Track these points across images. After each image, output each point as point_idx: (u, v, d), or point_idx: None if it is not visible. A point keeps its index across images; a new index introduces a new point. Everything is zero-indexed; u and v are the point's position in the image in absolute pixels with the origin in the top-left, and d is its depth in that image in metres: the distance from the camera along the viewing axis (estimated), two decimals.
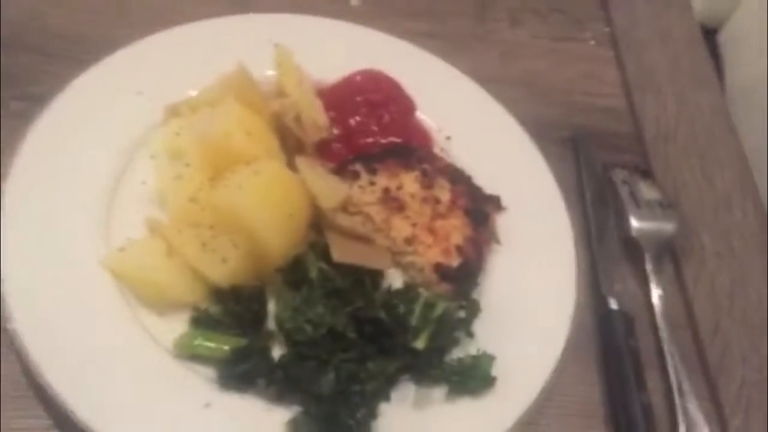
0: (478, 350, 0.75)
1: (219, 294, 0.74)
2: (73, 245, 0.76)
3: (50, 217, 0.76)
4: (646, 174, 1.01)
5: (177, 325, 0.74)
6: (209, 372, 0.72)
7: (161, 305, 0.74)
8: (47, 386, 0.66)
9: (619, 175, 0.99)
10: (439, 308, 0.74)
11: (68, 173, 0.80)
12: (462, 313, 0.78)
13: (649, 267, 0.91)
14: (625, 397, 0.81)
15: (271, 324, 0.75)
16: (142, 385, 0.69)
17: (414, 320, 0.73)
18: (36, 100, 0.85)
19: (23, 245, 0.73)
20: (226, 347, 0.71)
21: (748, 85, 1.16)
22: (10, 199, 0.76)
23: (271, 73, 0.89)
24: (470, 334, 0.77)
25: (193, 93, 0.86)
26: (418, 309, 0.74)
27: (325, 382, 0.68)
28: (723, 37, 1.23)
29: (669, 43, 1.17)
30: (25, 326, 0.68)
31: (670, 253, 0.95)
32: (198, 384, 0.70)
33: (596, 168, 1.01)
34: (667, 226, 0.94)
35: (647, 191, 0.98)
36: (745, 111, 1.16)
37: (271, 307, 0.76)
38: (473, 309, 0.77)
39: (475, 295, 0.80)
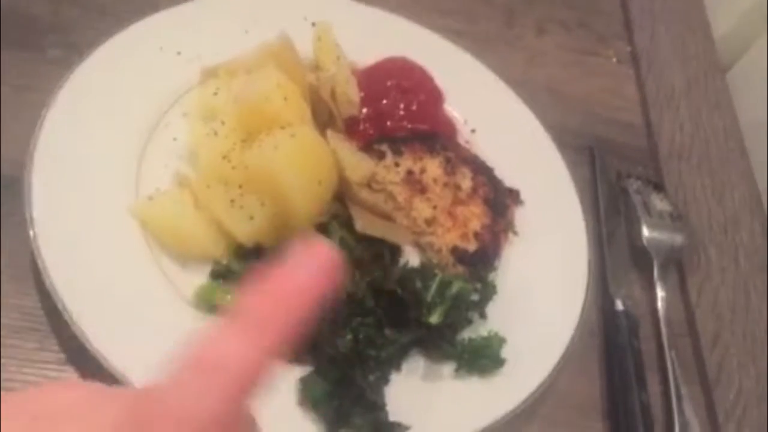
0: (490, 332, 0.77)
1: (241, 251, 0.76)
2: (102, 192, 0.77)
3: (81, 164, 0.77)
4: (659, 187, 1.04)
5: (197, 278, 0.75)
6: None
7: (184, 256, 0.75)
8: (69, 321, 0.66)
9: (633, 185, 1.02)
10: (455, 287, 0.76)
11: (101, 123, 0.81)
12: (476, 296, 0.79)
13: (656, 275, 0.94)
14: (626, 394, 0.82)
15: None
16: (159, 330, 0.70)
17: (429, 296, 0.75)
18: (75, 50, 0.87)
19: (55, 187, 0.74)
20: None
21: (755, 126, 1.18)
22: (44, 142, 0.77)
23: (305, 50, 0.91)
24: (483, 316, 0.79)
25: (231, 58, 0.88)
26: (434, 286, 0.75)
27: (342, 343, 0.69)
28: (732, 77, 1.26)
29: (688, 67, 1.20)
30: (50, 262, 0.69)
31: (677, 264, 0.97)
32: None
33: (611, 177, 1.04)
34: (677, 238, 0.97)
35: (659, 203, 1.00)
36: (752, 150, 1.18)
37: None
38: (489, 291, 0.79)
39: (490, 280, 0.82)
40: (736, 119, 1.14)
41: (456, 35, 1.07)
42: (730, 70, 1.24)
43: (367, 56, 0.97)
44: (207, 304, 0.73)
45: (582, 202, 0.93)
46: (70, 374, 0.69)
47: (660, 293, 0.92)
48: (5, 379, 0.68)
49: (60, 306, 0.67)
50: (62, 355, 0.70)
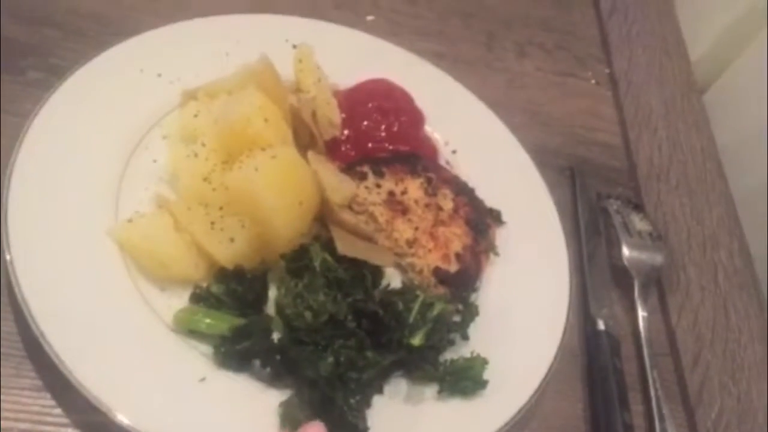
0: (472, 353, 0.77)
1: (222, 274, 0.75)
2: (82, 215, 0.76)
3: (60, 186, 0.77)
4: (638, 207, 1.04)
5: (177, 301, 0.74)
6: (206, 349, 0.72)
7: (163, 279, 0.75)
8: (47, 347, 0.65)
9: (612, 205, 1.03)
10: (437, 308, 0.75)
11: (80, 145, 0.81)
12: (458, 317, 0.79)
13: (636, 294, 0.94)
14: (609, 415, 0.82)
15: (270, 309, 0.76)
16: (139, 355, 0.69)
17: (411, 318, 0.74)
18: (54, 72, 0.87)
19: (32, 211, 0.73)
20: (226, 325, 0.72)
21: (732, 147, 1.20)
22: (21, 164, 0.76)
23: (286, 72, 0.91)
24: (465, 337, 0.79)
25: (211, 80, 0.88)
26: (416, 307, 0.75)
27: (323, 365, 0.68)
28: (709, 99, 1.28)
29: (665, 89, 1.21)
30: (28, 288, 0.68)
31: (657, 284, 0.98)
32: (195, 358, 0.71)
33: (591, 197, 1.04)
34: (657, 257, 0.97)
35: (639, 223, 1.01)
36: (730, 170, 1.20)
37: (272, 293, 0.77)
38: (471, 312, 0.79)
39: (472, 301, 0.82)
40: (713, 140, 1.16)
41: (437, 57, 1.08)
42: (707, 92, 1.26)
43: (348, 78, 0.97)
44: (186, 328, 0.72)
45: (562, 223, 0.94)
46: (47, 401, 0.68)
47: (641, 313, 0.93)
48: None
49: (36, 331, 0.66)
50: (38, 382, 0.69)
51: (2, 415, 0.66)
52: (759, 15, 1.17)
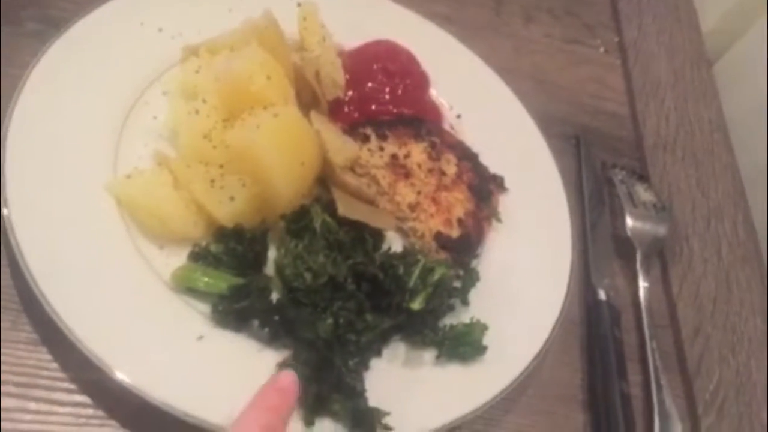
0: (472, 319, 0.76)
1: (221, 232, 0.74)
2: (80, 170, 0.75)
3: (58, 141, 0.75)
4: (643, 178, 1.03)
5: (175, 259, 0.73)
6: (203, 308, 0.71)
7: (162, 237, 0.74)
8: (44, 303, 0.64)
9: (617, 175, 1.02)
10: (438, 273, 0.75)
11: (79, 99, 0.79)
12: (459, 282, 0.79)
13: (638, 265, 0.93)
14: (606, 384, 0.82)
15: (269, 270, 0.75)
16: (137, 312, 0.69)
17: (412, 282, 0.74)
18: (53, 24, 0.85)
19: (30, 165, 0.72)
20: (224, 284, 0.71)
21: (739, 120, 1.18)
22: (19, 117, 0.74)
23: (290, 31, 0.89)
24: (465, 302, 0.78)
25: (214, 36, 0.86)
26: (416, 272, 0.74)
27: (322, 327, 0.68)
28: (718, 70, 1.26)
29: (675, 59, 1.20)
30: (26, 243, 0.67)
31: (660, 255, 0.97)
32: (192, 317, 0.70)
33: (596, 166, 1.03)
34: (660, 228, 0.96)
35: (643, 193, 1.00)
36: (737, 142, 1.18)
37: (271, 253, 0.76)
38: (471, 278, 0.78)
39: (473, 267, 0.81)
40: (722, 111, 1.14)
41: (444, 21, 1.06)
42: (716, 64, 1.24)
43: (352, 38, 0.95)
44: (184, 286, 0.71)
45: (566, 191, 0.93)
46: (44, 355, 0.67)
47: (642, 284, 0.92)
48: None
49: (33, 287, 0.65)
50: (35, 335, 0.68)
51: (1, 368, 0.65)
52: None
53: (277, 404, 0.63)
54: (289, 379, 0.65)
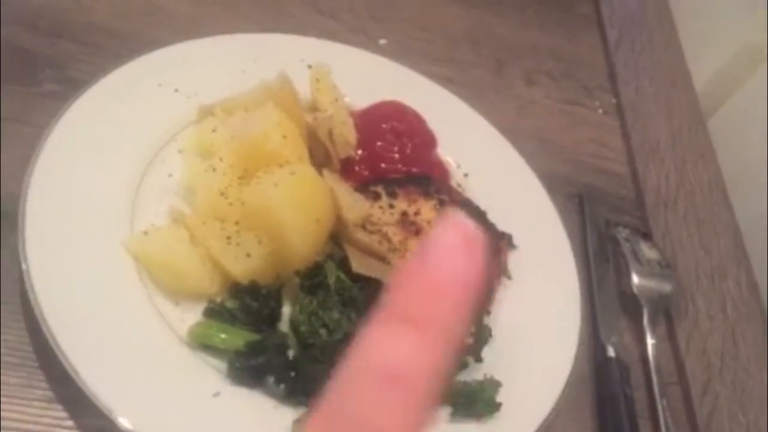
0: (485, 376, 0.76)
1: (236, 289, 0.75)
2: (97, 227, 0.75)
3: (77, 198, 0.76)
4: (646, 236, 1.05)
5: (191, 315, 0.74)
6: (219, 364, 0.71)
7: (178, 293, 0.74)
8: (61, 358, 0.64)
9: (621, 233, 1.03)
10: None
11: (97, 158, 0.80)
12: (470, 339, 0.79)
13: (645, 322, 0.94)
14: None
15: (284, 326, 0.76)
16: (153, 368, 0.69)
17: None
18: (71, 85, 0.87)
19: (49, 222, 0.73)
20: (240, 341, 0.71)
21: (737, 174, 1.21)
22: (38, 176, 0.75)
23: (302, 92, 0.92)
24: (479, 359, 0.78)
25: (228, 96, 0.88)
26: None
27: None
28: (712, 125, 1.30)
29: (672, 120, 1.23)
30: (44, 298, 0.67)
31: (666, 313, 0.98)
32: (209, 373, 0.70)
33: (600, 224, 1.05)
34: (666, 286, 0.97)
35: (647, 251, 1.01)
36: (734, 196, 1.21)
37: (285, 309, 0.76)
38: (484, 334, 0.79)
39: (484, 323, 0.82)
40: (720, 171, 1.17)
41: (447, 82, 1.09)
42: (708, 122, 1.27)
43: (361, 99, 0.98)
44: (201, 342, 0.72)
45: (572, 249, 0.94)
46: (59, 413, 0.67)
47: (650, 341, 0.93)
48: None
49: (50, 341, 0.65)
50: (50, 393, 0.68)
51: (13, 425, 0.65)
52: (757, 50, 1.19)
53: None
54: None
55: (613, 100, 1.26)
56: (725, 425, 0.88)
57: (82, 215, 0.75)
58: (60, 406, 0.67)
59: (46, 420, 0.67)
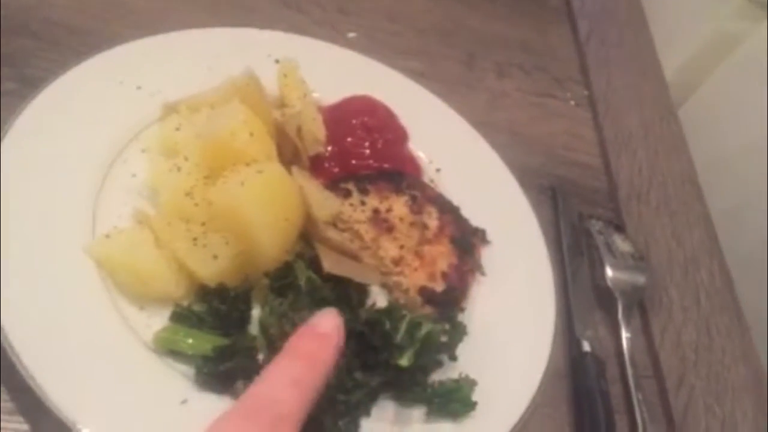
0: (460, 374, 0.75)
1: (204, 292, 0.72)
2: (57, 230, 0.73)
3: (35, 201, 0.73)
4: (619, 228, 1.05)
5: (157, 320, 0.71)
6: (187, 370, 0.69)
7: (143, 297, 0.72)
8: (21, 369, 0.62)
9: (595, 225, 1.03)
10: (425, 328, 0.73)
11: (57, 159, 0.77)
12: (445, 337, 0.78)
13: (620, 315, 0.94)
14: None
15: (253, 329, 0.74)
16: (118, 376, 0.66)
17: (399, 338, 0.73)
18: (30, 83, 0.84)
19: (6, 225, 0.70)
20: (208, 345, 0.69)
21: (709, 163, 1.22)
22: None
23: (269, 87, 0.90)
24: (453, 358, 0.77)
25: (193, 94, 0.86)
26: (403, 327, 0.73)
27: None
28: (683, 114, 1.30)
29: (644, 111, 1.23)
30: (2, 306, 0.65)
31: (640, 305, 0.97)
32: (176, 380, 0.68)
33: (573, 217, 1.04)
34: (639, 278, 0.97)
35: (621, 244, 1.01)
36: (706, 187, 1.21)
37: (255, 312, 0.74)
38: (458, 332, 0.77)
39: (459, 321, 0.80)
40: (692, 161, 1.17)
41: (418, 76, 1.07)
42: (680, 109, 1.27)
43: (331, 94, 0.96)
44: (167, 348, 0.69)
45: (546, 243, 0.93)
46: (19, 424, 0.64)
47: (625, 334, 0.92)
48: None
49: (9, 351, 0.63)
50: (10, 404, 0.65)
51: None
52: (727, 38, 1.19)
53: (313, 352, 0.53)
54: (332, 321, 0.55)
55: (585, 92, 1.25)
56: (701, 417, 0.88)
57: (42, 219, 0.73)
58: (21, 418, 0.65)
59: None
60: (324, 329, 0.55)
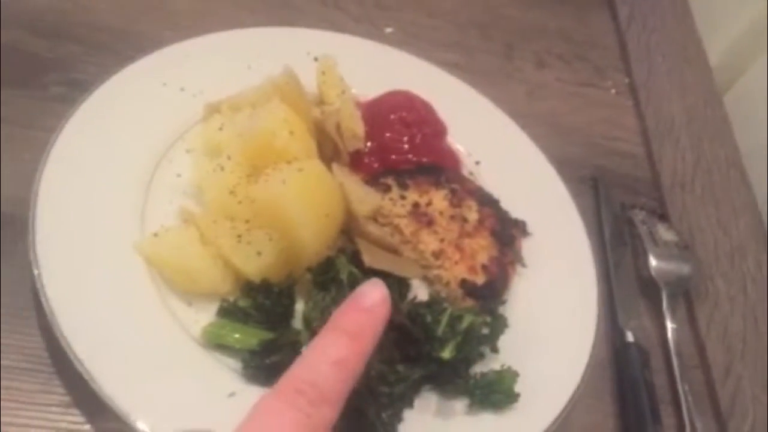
0: (502, 366, 0.75)
1: (249, 287, 0.74)
2: (107, 229, 0.75)
3: (85, 202, 0.76)
4: (663, 217, 1.04)
5: (204, 316, 0.73)
6: (234, 364, 0.71)
7: (190, 293, 0.74)
8: (76, 363, 0.64)
9: (638, 215, 1.02)
10: (466, 321, 0.74)
11: (105, 160, 0.80)
12: (486, 329, 0.78)
13: (665, 305, 0.93)
14: (641, 429, 0.81)
15: (297, 323, 0.75)
16: (168, 370, 0.68)
17: (440, 331, 0.73)
18: (77, 87, 0.87)
19: (59, 226, 0.73)
20: (254, 340, 0.71)
21: (754, 150, 1.19)
22: (47, 180, 0.75)
23: (308, 85, 0.91)
24: (495, 350, 0.77)
25: (234, 93, 0.87)
26: (444, 320, 0.74)
27: None
28: (728, 100, 1.28)
29: (687, 97, 1.21)
30: (57, 303, 0.67)
31: (685, 295, 0.96)
32: (223, 373, 0.70)
33: (615, 207, 1.03)
34: (684, 267, 0.96)
35: (665, 233, 1.00)
36: (752, 173, 1.19)
37: (298, 306, 0.76)
38: (500, 324, 0.78)
39: (500, 313, 0.81)
40: (737, 148, 1.15)
41: (457, 69, 1.08)
42: (725, 95, 1.25)
43: (369, 90, 0.97)
44: (215, 342, 0.71)
45: (587, 233, 0.93)
46: (75, 417, 0.67)
47: (670, 324, 0.91)
48: (5, 423, 0.66)
49: (64, 346, 0.65)
50: (67, 398, 0.68)
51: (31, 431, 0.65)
52: None
53: (357, 330, 0.50)
54: (378, 293, 0.52)
55: (626, 80, 1.24)
56: (749, 407, 0.87)
57: (92, 219, 0.75)
58: (77, 411, 0.68)
59: (63, 425, 0.67)
60: (370, 302, 0.52)
